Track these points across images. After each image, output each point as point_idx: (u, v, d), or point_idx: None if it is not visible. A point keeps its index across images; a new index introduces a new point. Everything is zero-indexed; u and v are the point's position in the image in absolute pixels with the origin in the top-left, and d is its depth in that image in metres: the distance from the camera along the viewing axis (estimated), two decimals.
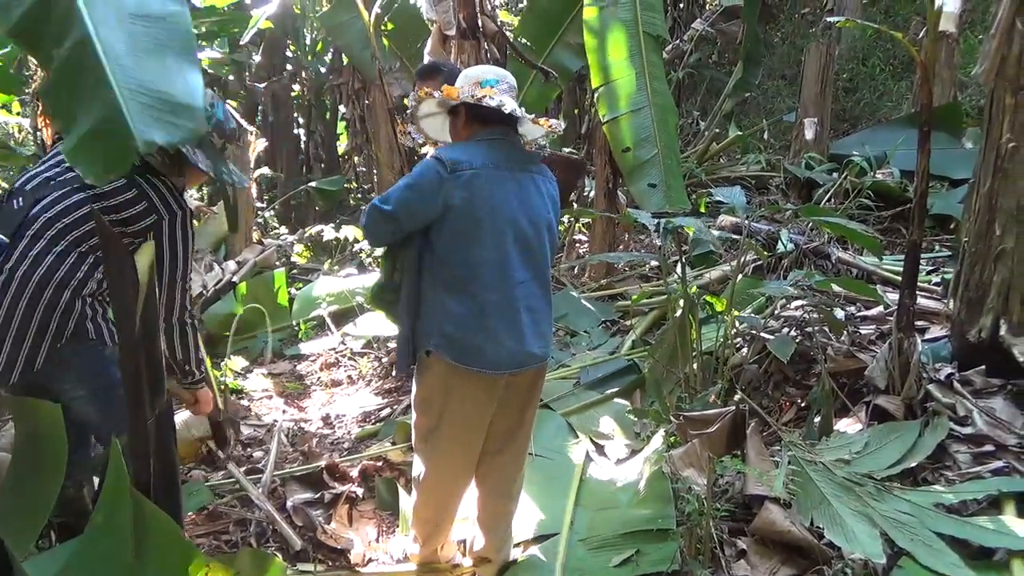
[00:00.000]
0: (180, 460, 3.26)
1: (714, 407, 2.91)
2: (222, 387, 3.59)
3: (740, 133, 6.47)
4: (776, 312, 3.89)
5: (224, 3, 10.13)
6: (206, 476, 3.32)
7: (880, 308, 3.88)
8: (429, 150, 2.75)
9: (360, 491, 3.21)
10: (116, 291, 1.48)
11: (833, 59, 6.23)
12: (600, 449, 3.40)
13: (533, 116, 2.38)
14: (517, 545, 2.73)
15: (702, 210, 4.18)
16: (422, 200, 2.21)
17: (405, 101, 2.50)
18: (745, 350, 3.66)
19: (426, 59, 5.33)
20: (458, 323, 2.21)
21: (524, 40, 7.76)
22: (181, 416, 3.24)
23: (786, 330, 3.56)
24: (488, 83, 2.34)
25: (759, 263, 4.62)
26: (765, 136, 6.57)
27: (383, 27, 8.86)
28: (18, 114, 9.96)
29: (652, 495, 2.80)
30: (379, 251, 3.08)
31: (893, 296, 3.78)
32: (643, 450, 3.20)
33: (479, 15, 4.96)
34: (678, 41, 7.90)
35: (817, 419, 3.01)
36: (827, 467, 2.63)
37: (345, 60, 8.96)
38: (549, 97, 8.49)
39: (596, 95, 4.90)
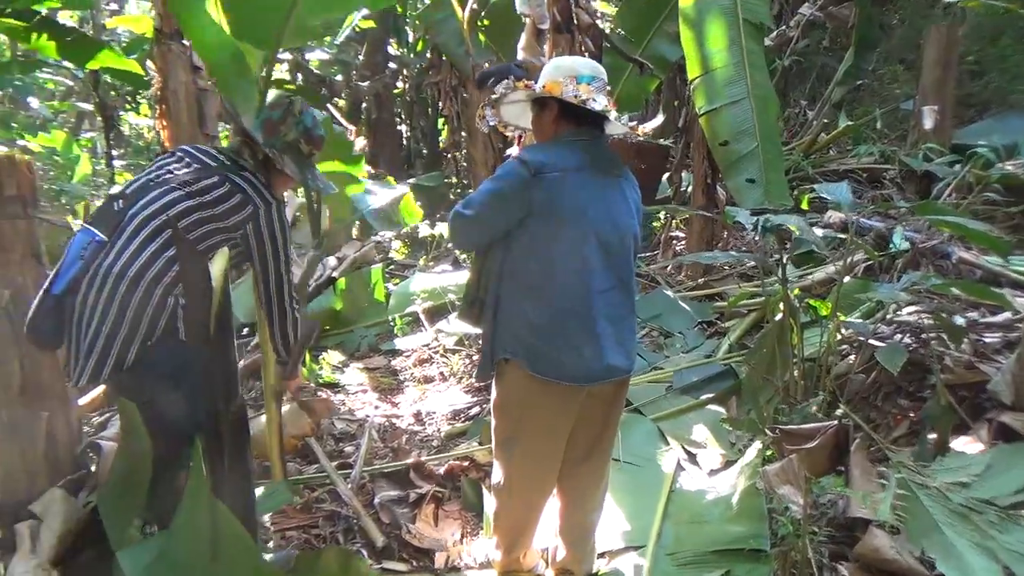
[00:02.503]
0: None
1: (815, 420, 2.73)
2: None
3: (851, 123, 6.07)
4: (888, 317, 3.61)
5: None
6: (300, 470, 3.42)
7: (1007, 314, 3.53)
8: (515, 150, 2.70)
9: (446, 491, 3.22)
10: (190, 296, 1.51)
11: (957, 40, 5.74)
12: (692, 458, 3.27)
13: (616, 117, 2.27)
14: (602, 556, 2.66)
15: (804, 206, 3.93)
16: (504, 204, 2.16)
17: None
18: (852, 358, 3.43)
19: (519, 55, 5.29)
20: (536, 331, 2.16)
21: (621, 31, 7.62)
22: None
23: (898, 337, 3.30)
24: (584, 79, 2.23)
25: (871, 263, 4.32)
26: (878, 126, 6.14)
27: (479, 23, 8.91)
28: (145, 115, 10.68)
29: (745, 511, 2.67)
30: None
31: (1022, 301, 3.44)
32: (738, 461, 3.06)
33: (573, 8, 4.86)
34: (784, 27, 7.51)
35: (931, 437, 2.77)
36: (941, 491, 2.42)
37: (443, 57, 9.05)
38: (647, 89, 8.28)
39: (692, 86, 4.72)
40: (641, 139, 3.02)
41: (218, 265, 1.54)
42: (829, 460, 2.52)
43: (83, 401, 3.76)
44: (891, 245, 4.24)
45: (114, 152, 8.81)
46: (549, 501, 2.48)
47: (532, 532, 2.54)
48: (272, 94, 2.51)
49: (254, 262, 2.36)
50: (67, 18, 11.19)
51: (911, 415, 3.08)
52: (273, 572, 1.54)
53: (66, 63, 7.10)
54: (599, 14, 8.19)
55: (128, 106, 10.18)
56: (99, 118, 8.67)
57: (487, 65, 7.70)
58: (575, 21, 5.66)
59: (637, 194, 2.36)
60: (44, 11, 7.76)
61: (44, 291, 2.21)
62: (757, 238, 3.30)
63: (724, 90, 4.66)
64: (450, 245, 2.58)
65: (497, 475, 2.46)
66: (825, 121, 6.47)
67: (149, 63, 7.28)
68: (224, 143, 3.96)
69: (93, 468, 2.79)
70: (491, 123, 2.56)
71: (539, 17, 5.53)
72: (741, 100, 4.64)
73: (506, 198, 2.15)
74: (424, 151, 11.99)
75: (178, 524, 1.64)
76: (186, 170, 2.28)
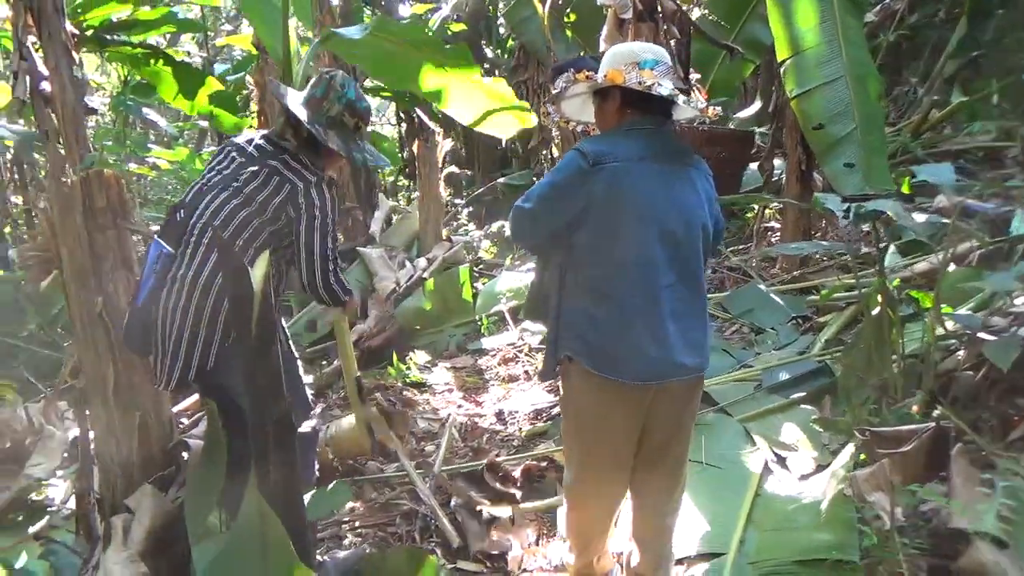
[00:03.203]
0: (350, 457, 3.45)
1: (912, 421, 2.51)
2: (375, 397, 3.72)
3: (964, 99, 5.58)
4: (1006, 308, 3.28)
5: (423, 10, 10.71)
6: (380, 468, 3.48)
7: None
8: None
9: (521, 492, 3.18)
10: (232, 300, 1.54)
11: None
12: (781, 461, 3.09)
13: (684, 100, 2.16)
14: (680, 562, 2.56)
15: (905, 190, 3.62)
16: (562, 196, 2.09)
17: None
18: (962, 354, 3.13)
19: (602, 46, 5.19)
20: (598, 328, 2.08)
21: (714, 17, 7.35)
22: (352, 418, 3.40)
23: (1013, 330, 2.99)
24: (647, 64, 2.13)
25: (990, 250, 3.94)
26: (996, 100, 5.62)
27: (566, 19, 8.84)
28: (250, 126, 11.28)
29: (834, 519, 2.49)
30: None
31: None
32: (829, 466, 2.86)
33: None
34: (888, 1, 7.01)
35: None
36: None
37: (530, 55, 9.04)
38: (740, 75, 7.97)
39: (783, 69, 4.46)
40: (714, 126, 2.86)
41: (259, 268, 1.57)
42: (927, 465, 2.31)
43: (187, 403, 3.99)
44: (1009, 231, 3.85)
45: None
46: (623, 504, 2.42)
47: (605, 535, 2.47)
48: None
49: (296, 238, 2.30)
50: (188, 40, 11.97)
51: None
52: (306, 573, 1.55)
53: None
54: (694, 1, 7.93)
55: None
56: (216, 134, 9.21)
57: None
58: (659, 8, 5.49)
59: (710, 184, 2.23)
60: (156, 41, 8.31)
61: (132, 302, 2.34)
62: (849, 226, 3.06)
63: (817, 70, 4.38)
64: (513, 241, 2.52)
65: (567, 476, 2.41)
66: (935, 98, 5.98)
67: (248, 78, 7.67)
68: None
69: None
70: (555, 118, 2.51)
71: (621, 6, 5.40)
72: (836, 80, 4.34)
73: (563, 190, 2.09)
74: (521, 150, 12.03)
75: (238, 524, 1.69)
76: (232, 167, 2.33)
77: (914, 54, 8.33)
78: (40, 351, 5.22)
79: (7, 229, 8.01)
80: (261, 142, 2.41)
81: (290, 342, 2.60)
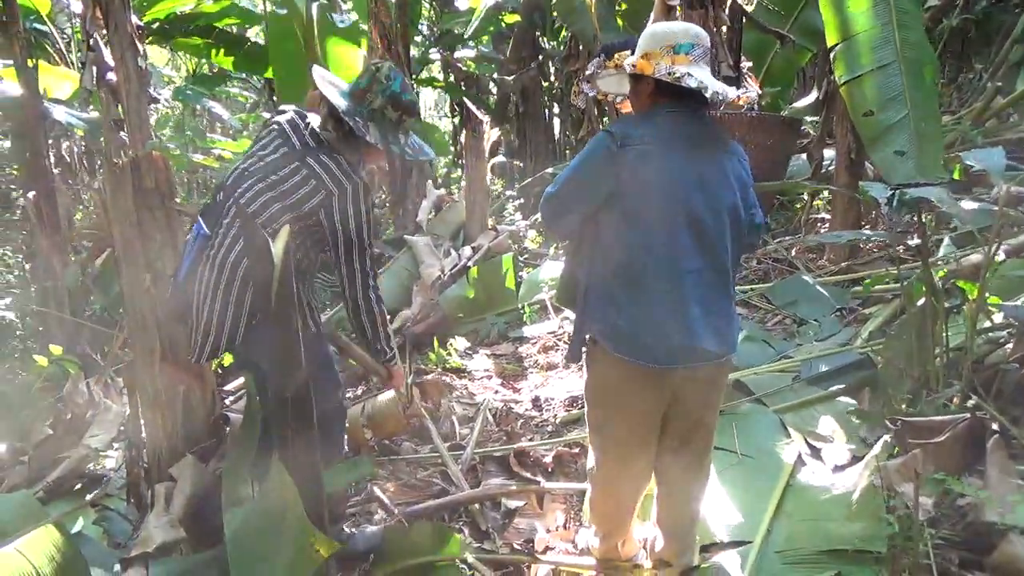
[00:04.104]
0: (388, 434, 3.53)
1: (948, 413, 2.44)
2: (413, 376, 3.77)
3: None
4: None
5: (476, 3, 10.77)
6: (415, 449, 3.55)
7: None
8: None
9: (552, 478, 3.20)
10: (253, 275, 1.60)
11: None
12: (815, 452, 3.03)
13: (723, 89, 2.11)
14: (705, 549, 2.54)
15: (956, 176, 3.49)
16: (589, 178, 2.09)
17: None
18: (1011, 347, 3.02)
19: None
20: (621, 311, 2.08)
21: (770, 5, 7.19)
22: (389, 393, 3.47)
23: None
24: (682, 49, 2.10)
25: None
26: None
27: (617, 6, 8.77)
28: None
29: (866, 510, 2.44)
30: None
31: None
32: (864, 457, 2.80)
33: None
34: None
35: None
36: None
37: (580, 45, 9.00)
38: (798, 63, 7.78)
39: (832, 54, 4.34)
40: (761, 112, 2.80)
41: (279, 245, 1.63)
42: (963, 457, 2.24)
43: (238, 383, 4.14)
44: None
45: None
46: (644, 490, 2.42)
47: (628, 520, 2.47)
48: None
49: (329, 248, 2.34)
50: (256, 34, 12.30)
51: None
52: (326, 542, 1.60)
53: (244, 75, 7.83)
54: None
55: None
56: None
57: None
58: None
59: (745, 171, 2.19)
60: (222, 27, 8.56)
61: (173, 278, 2.45)
62: (894, 215, 2.98)
63: (869, 55, 4.24)
64: (545, 228, 2.49)
65: (591, 460, 2.42)
66: (999, 85, 5.73)
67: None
68: None
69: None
70: (590, 94, 2.49)
71: None
72: (889, 64, 4.20)
73: (590, 172, 2.09)
74: (575, 140, 11.99)
75: (261, 491, 1.76)
76: (273, 156, 2.37)
77: (986, 41, 7.98)
78: (103, 330, 5.47)
79: (78, 216, 8.38)
80: (305, 133, 2.40)
81: (319, 324, 2.63)
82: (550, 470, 3.26)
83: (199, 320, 2.36)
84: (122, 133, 4.44)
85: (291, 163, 2.33)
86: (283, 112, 2.51)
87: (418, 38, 12.23)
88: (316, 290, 2.51)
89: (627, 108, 2.43)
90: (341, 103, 2.38)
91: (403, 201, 7.70)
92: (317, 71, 2.51)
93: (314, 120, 2.44)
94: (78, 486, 3.56)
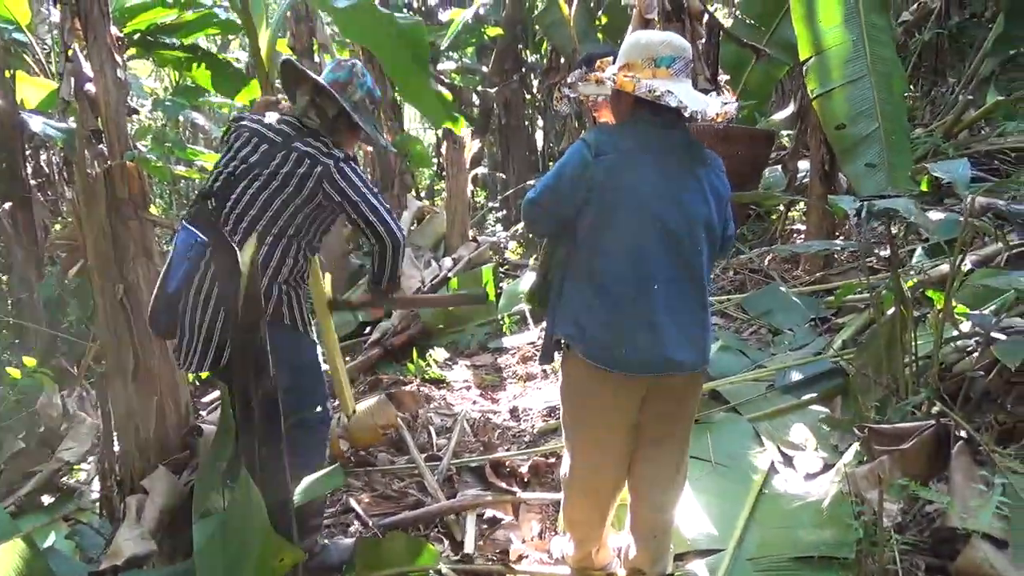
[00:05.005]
0: (365, 445, 3.52)
1: (915, 420, 2.48)
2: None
3: (1000, 98, 5.45)
4: None
5: (458, 14, 10.84)
6: (391, 460, 3.54)
7: None
8: None
9: (528, 488, 3.21)
10: (223, 288, 1.60)
11: None
12: (788, 460, 3.06)
13: (707, 101, 2.13)
14: (679, 557, 2.56)
15: (924, 188, 3.55)
16: (565, 185, 2.12)
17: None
18: (977, 355, 3.07)
19: None
20: (592, 316, 2.10)
21: (748, 19, 7.29)
22: (366, 404, 3.48)
23: None
24: (664, 62, 2.12)
25: (1016, 252, 3.85)
26: None
27: (596, 21, 8.85)
28: None
29: (836, 517, 2.47)
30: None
31: None
32: (835, 464, 2.83)
33: None
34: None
35: None
36: None
37: (562, 59, 9.08)
38: (776, 77, 7.85)
39: (805, 68, 4.42)
40: (728, 124, 2.84)
41: (247, 252, 1.64)
42: (929, 464, 2.28)
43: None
44: None
45: None
46: (617, 497, 2.43)
47: (601, 527, 2.48)
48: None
49: (346, 212, 2.41)
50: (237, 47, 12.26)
51: None
52: (292, 552, 1.60)
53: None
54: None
55: None
56: None
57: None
58: (685, 6, 5.46)
59: (722, 183, 2.21)
60: (204, 45, 8.51)
61: (159, 288, 2.41)
62: (865, 226, 3.03)
63: (840, 69, 4.34)
64: (526, 230, 2.53)
65: (564, 466, 2.43)
66: (970, 98, 5.84)
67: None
68: None
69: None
70: (572, 95, 2.51)
71: (646, 5, 5.38)
72: (860, 79, 4.30)
73: (567, 179, 2.12)
74: (558, 152, 12.07)
75: (231, 500, 1.75)
76: (255, 156, 2.38)
77: (959, 55, 8.12)
78: (79, 341, 5.42)
79: (57, 226, 8.30)
80: (282, 126, 2.45)
81: (313, 333, 2.61)
82: (526, 480, 3.26)
83: (193, 329, 2.32)
84: (101, 145, 4.42)
85: (277, 154, 2.37)
86: (241, 119, 2.55)
87: None
88: (306, 298, 2.53)
89: (604, 114, 2.46)
90: (335, 93, 2.47)
91: None
92: (288, 62, 2.60)
93: (279, 115, 2.52)
94: (51, 500, 3.53)
